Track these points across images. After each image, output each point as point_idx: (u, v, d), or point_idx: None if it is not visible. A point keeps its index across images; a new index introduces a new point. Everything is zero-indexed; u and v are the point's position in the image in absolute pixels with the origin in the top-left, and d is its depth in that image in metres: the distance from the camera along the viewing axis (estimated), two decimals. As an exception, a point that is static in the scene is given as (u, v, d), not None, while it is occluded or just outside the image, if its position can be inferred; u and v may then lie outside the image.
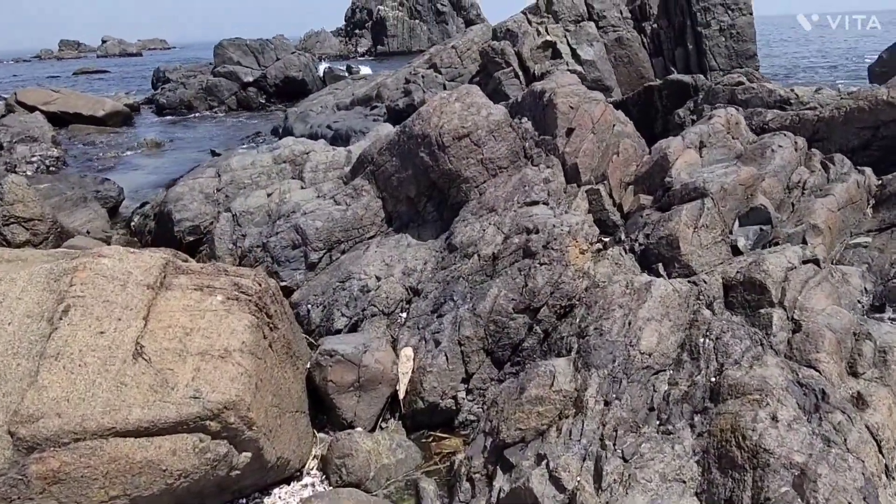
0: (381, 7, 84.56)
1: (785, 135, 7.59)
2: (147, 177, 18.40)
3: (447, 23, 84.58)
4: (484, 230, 6.47)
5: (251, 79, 33.39)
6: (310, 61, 38.43)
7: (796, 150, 7.49)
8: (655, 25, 19.81)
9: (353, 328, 6.52)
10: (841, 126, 8.35)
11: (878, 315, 5.33)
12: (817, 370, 4.27)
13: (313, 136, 18.65)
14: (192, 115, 31.15)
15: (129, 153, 21.15)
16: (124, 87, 43.14)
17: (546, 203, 6.73)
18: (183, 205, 9.54)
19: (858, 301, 5.50)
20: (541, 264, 5.49)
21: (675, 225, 5.91)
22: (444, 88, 18.79)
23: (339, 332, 6.50)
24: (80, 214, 11.79)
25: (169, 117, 30.68)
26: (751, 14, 19.34)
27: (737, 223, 6.34)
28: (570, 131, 7.95)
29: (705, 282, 5.16)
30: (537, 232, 5.72)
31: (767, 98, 9.79)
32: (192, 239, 9.28)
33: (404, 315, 6.47)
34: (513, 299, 5.42)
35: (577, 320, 5.11)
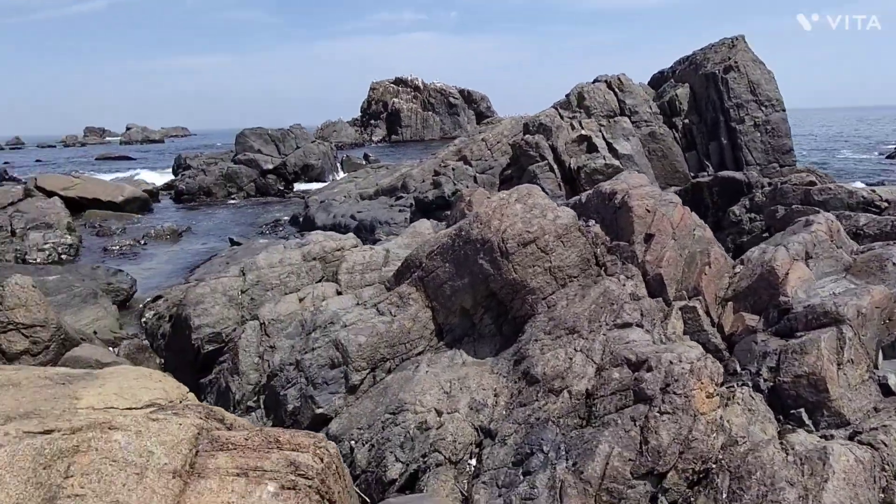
0: (395, 100, 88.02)
1: (900, 245, 6.62)
2: (163, 266, 17.61)
3: (458, 115, 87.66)
4: (570, 359, 5.37)
5: (271, 166, 33.52)
6: (328, 149, 38.89)
7: (915, 262, 6.49)
8: (686, 121, 19.58)
9: (412, 477, 5.29)
10: (952, 234, 7.42)
11: None
12: None
13: (337, 227, 17.98)
14: (211, 200, 30.96)
15: (144, 241, 20.52)
16: (148, 169, 43.79)
17: (640, 325, 5.66)
18: (203, 308, 8.52)
19: None
20: (661, 413, 4.34)
21: (815, 361, 4.80)
22: (475, 181, 18.29)
23: (393, 481, 5.27)
24: (87, 312, 10.84)
25: (187, 203, 30.46)
26: (784, 110, 19.10)
27: (881, 355, 5.23)
28: (648, 237, 7.04)
29: (885, 444, 3.99)
30: (650, 369, 4.61)
31: (848, 200, 8.95)
32: (211, 348, 8.19)
33: (473, 462, 5.26)
34: (630, 460, 4.23)
35: (724, 495, 3.90)
